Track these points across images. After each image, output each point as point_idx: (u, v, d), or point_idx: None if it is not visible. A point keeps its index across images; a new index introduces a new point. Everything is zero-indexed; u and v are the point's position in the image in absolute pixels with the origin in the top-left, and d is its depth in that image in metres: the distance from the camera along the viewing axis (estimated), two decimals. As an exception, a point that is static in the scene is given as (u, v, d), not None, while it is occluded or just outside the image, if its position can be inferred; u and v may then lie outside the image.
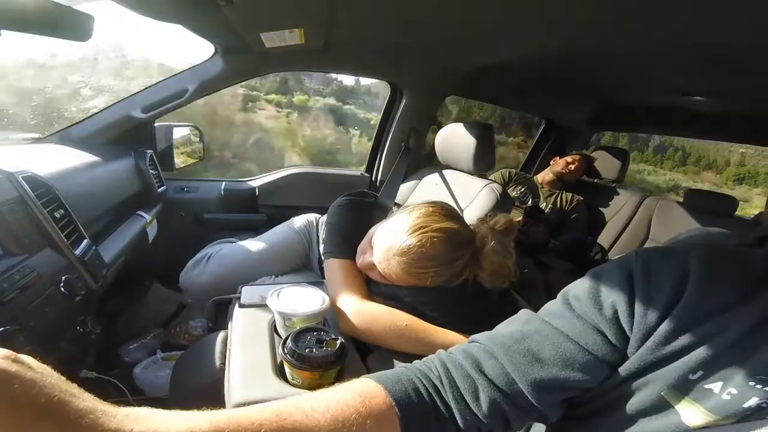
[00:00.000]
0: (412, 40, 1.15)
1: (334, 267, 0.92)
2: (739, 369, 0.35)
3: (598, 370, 0.41)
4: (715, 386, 0.35)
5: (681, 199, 1.98)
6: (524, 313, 0.48)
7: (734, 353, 0.35)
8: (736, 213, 1.84)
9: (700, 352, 0.36)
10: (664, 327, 0.38)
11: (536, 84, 1.70)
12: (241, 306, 0.83)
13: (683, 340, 0.37)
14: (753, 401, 0.33)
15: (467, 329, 0.72)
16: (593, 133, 2.55)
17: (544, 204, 2.12)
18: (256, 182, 1.65)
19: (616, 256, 2.01)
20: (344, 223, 0.98)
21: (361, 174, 1.79)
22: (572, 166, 2.14)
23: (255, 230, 1.42)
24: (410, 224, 0.81)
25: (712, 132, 1.97)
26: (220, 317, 0.97)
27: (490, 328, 0.49)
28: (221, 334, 0.85)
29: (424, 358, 0.48)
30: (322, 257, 0.98)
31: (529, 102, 2.11)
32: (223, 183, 1.59)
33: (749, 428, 0.33)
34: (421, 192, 1.53)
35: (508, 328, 0.47)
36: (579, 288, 0.44)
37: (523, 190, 2.15)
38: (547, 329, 0.43)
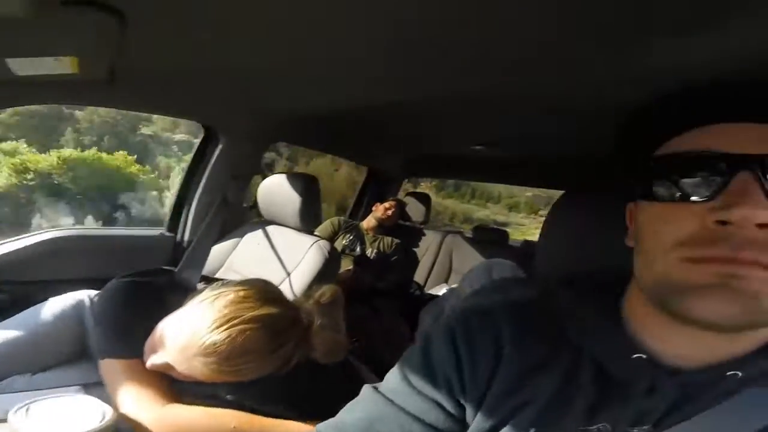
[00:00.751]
0: (226, 76, 0.99)
1: (115, 370, 0.70)
2: (564, 421, 0.38)
3: None
4: None
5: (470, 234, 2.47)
6: (368, 393, 0.47)
7: (557, 407, 0.39)
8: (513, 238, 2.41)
9: (529, 411, 0.39)
10: (493, 391, 0.41)
11: (358, 133, 1.74)
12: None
13: (511, 401, 0.40)
14: None
15: (311, 414, 0.65)
16: (405, 179, 2.93)
17: (370, 249, 2.25)
18: None
19: (431, 290, 2.34)
20: (121, 314, 0.74)
21: (161, 234, 1.44)
22: (390, 212, 2.36)
23: None
24: (215, 317, 0.66)
25: (506, 177, 2.51)
26: None
27: (334, 406, 0.48)
28: None
29: None
30: (100, 362, 0.73)
31: (353, 150, 2.22)
32: None
33: None
34: (243, 252, 1.35)
35: (353, 415, 0.45)
36: (414, 361, 0.45)
37: (351, 238, 2.22)
38: (392, 411, 0.43)
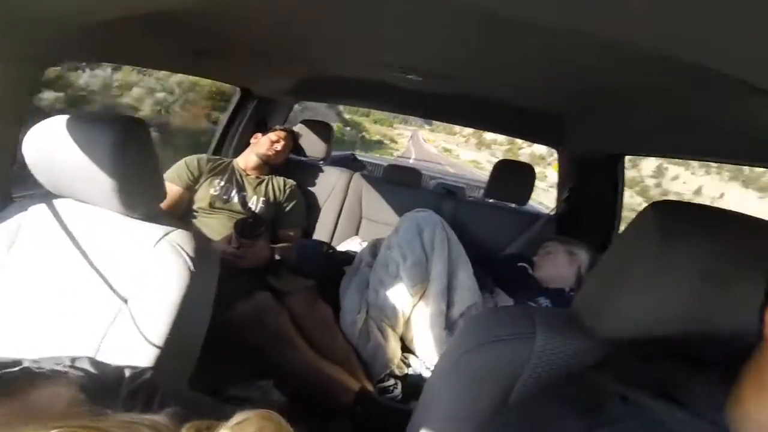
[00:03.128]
0: None
1: None
2: None
3: None
4: None
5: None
6: None
7: None
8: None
9: None
10: None
11: (229, 47, 1.22)
12: None
13: None
14: None
15: None
16: (295, 103, 2.27)
17: (255, 197, 1.68)
18: None
19: (342, 244, 1.93)
20: None
21: None
22: (279, 146, 1.78)
23: None
24: None
25: (423, 110, 2.08)
26: None
27: None
28: None
29: None
30: None
31: (218, 68, 1.50)
32: None
33: None
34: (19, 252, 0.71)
35: None
36: None
37: (223, 183, 1.60)
38: None
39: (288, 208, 1.76)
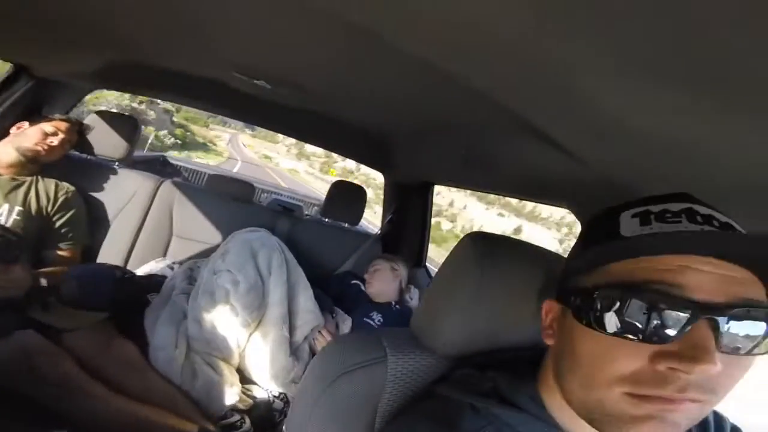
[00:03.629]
0: None
1: None
2: None
3: None
4: None
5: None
6: None
7: None
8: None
9: None
10: None
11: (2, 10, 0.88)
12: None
13: None
14: None
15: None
16: (90, 91, 1.72)
17: (6, 206, 1.18)
18: None
19: (144, 267, 1.55)
20: None
21: None
22: (55, 140, 1.32)
23: None
24: None
25: (258, 117, 1.82)
26: None
27: None
28: None
29: None
30: None
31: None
32: None
33: None
34: None
35: None
36: None
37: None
38: None
39: (61, 221, 1.32)
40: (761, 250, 0.31)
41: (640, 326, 0.33)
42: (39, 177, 1.31)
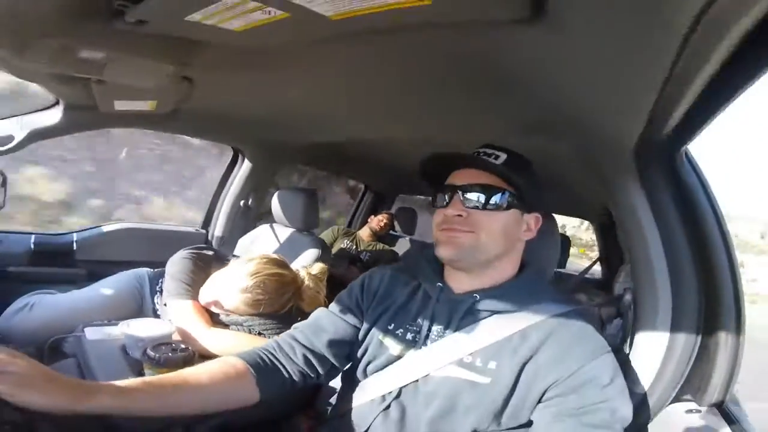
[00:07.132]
0: (259, 115, 1.35)
1: (181, 306, 1.09)
2: (404, 319, 0.74)
3: (352, 329, 0.78)
4: (399, 331, 0.74)
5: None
6: (319, 308, 0.85)
7: (401, 312, 0.75)
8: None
9: (389, 314, 0.76)
10: (373, 304, 0.78)
11: (357, 158, 2.18)
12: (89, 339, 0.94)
13: (379, 308, 0.77)
14: (409, 336, 0.73)
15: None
16: (397, 195, 3.31)
17: (364, 252, 2.65)
18: (73, 236, 1.55)
19: None
20: (187, 271, 1.14)
21: (196, 230, 1.90)
22: (383, 223, 2.76)
23: (73, 284, 1.36)
24: (249, 270, 1.07)
25: None
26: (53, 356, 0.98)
27: None
28: (68, 362, 0.91)
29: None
30: (167, 301, 1.12)
31: (353, 170, 2.69)
32: (33, 236, 1.46)
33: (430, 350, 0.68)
34: (259, 245, 1.75)
35: (311, 317, 0.83)
36: (344, 292, 0.84)
37: (348, 243, 2.64)
38: (329, 314, 0.81)
39: (380, 259, 2.65)
40: (486, 165, 0.75)
41: (438, 202, 0.72)
42: (378, 242, 2.76)
